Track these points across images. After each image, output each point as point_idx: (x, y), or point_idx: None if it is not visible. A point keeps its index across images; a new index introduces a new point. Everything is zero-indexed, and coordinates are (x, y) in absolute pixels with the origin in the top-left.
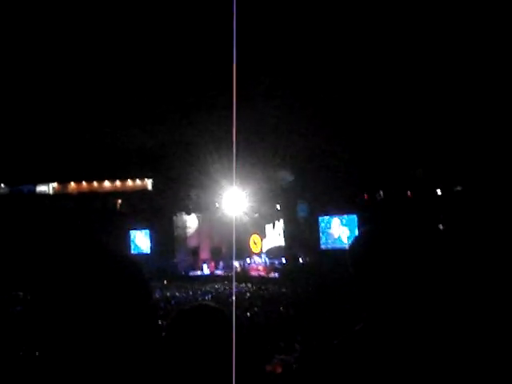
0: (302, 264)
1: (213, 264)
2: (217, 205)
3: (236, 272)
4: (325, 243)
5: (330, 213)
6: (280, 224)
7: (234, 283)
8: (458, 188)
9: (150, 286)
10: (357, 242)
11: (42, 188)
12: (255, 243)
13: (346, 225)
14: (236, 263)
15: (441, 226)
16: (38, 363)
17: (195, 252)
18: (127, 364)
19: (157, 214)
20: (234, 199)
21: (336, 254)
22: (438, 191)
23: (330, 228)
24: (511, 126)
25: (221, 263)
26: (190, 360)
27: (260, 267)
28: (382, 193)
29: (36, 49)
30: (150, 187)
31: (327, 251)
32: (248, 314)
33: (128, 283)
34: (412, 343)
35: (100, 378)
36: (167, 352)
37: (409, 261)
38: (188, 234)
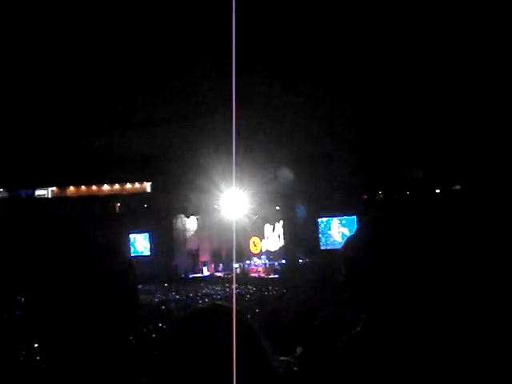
0: (302, 265)
1: (213, 266)
2: (216, 207)
3: (236, 274)
4: (325, 244)
5: (330, 214)
6: (280, 225)
7: (235, 285)
8: (458, 187)
9: (137, 290)
10: (350, 242)
11: (40, 192)
12: (255, 245)
13: (345, 226)
14: (236, 265)
15: (440, 225)
16: (39, 367)
17: (195, 254)
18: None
19: (156, 216)
20: (234, 201)
21: (336, 255)
22: (437, 191)
23: (329, 229)
24: (510, 123)
25: (221, 265)
26: (204, 361)
27: (260, 269)
28: (381, 193)
29: (33, 51)
30: (149, 190)
31: (327, 252)
32: (248, 315)
33: (118, 287)
34: (412, 344)
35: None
36: (176, 353)
37: (405, 261)
38: (188, 237)
